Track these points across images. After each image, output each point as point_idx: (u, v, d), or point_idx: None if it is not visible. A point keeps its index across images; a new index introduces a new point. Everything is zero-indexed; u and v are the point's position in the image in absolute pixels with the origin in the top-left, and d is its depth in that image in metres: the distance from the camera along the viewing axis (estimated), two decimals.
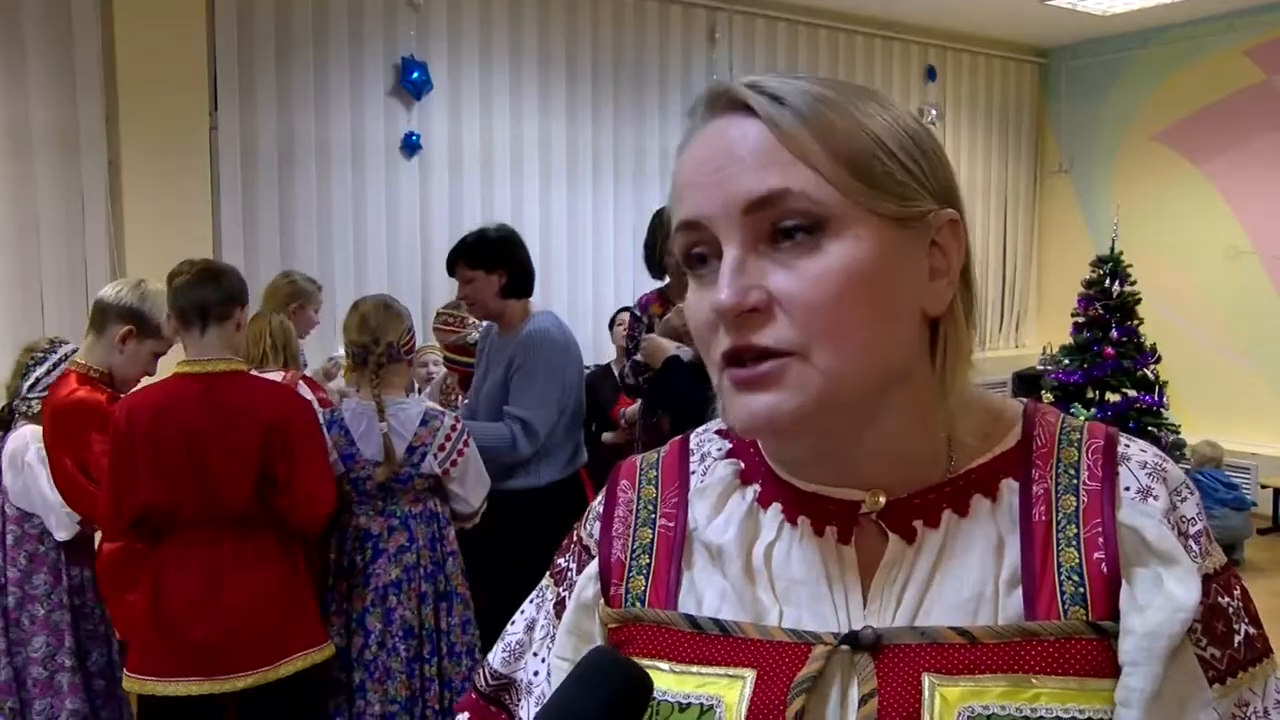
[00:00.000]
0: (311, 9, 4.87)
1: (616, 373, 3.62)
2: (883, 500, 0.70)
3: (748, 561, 0.71)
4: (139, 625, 2.46)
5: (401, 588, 2.62)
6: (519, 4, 5.46)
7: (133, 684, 2.45)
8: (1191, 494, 0.71)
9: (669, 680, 0.69)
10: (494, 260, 2.99)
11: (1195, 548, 0.69)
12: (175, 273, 2.47)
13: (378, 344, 2.66)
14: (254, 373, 2.85)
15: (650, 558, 0.75)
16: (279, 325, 3.52)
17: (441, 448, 2.66)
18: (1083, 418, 0.77)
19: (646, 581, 0.74)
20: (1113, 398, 6.17)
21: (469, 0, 5.32)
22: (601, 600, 0.76)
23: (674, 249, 0.70)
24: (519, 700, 0.80)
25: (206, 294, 2.42)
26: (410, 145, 5.20)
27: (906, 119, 0.69)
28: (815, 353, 0.63)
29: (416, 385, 3.83)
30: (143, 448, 2.35)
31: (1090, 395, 6.22)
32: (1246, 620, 0.70)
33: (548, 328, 3.04)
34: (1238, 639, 0.68)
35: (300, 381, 3.28)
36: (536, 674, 0.79)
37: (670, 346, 2.86)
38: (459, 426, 2.72)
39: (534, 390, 2.94)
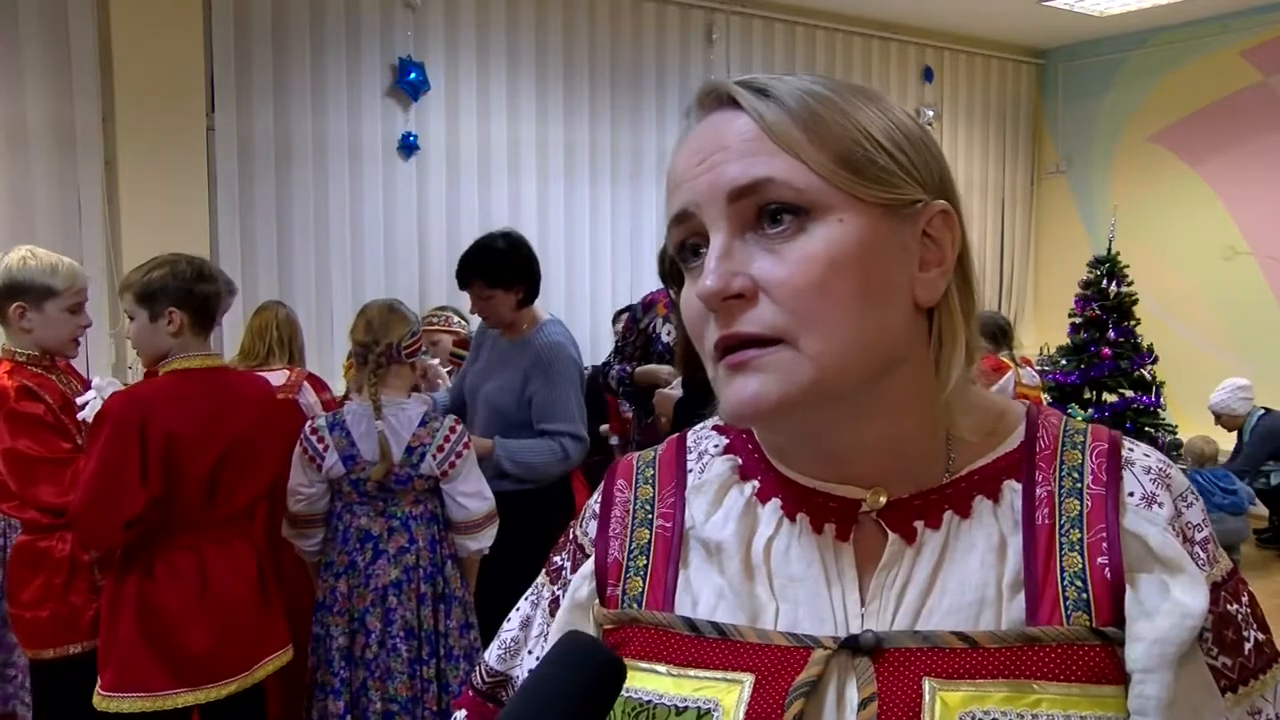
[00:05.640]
0: (309, 9, 4.87)
1: (605, 372, 3.62)
2: (884, 499, 0.69)
3: (746, 556, 0.71)
4: (120, 640, 2.31)
5: (402, 588, 2.62)
6: (516, 4, 5.46)
7: (117, 704, 2.28)
8: (1196, 500, 0.71)
9: (666, 683, 0.69)
10: (513, 279, 3.01)
11: (1202, 555, 0.69)
12: (198, 274, 2.41)
13: (377, 344, 2.66)
14: (261, 372, 2.87)
15: (648, 559, 0.74)
16: (285, 318, 3.45)
17: (440, 449, 2.66)
18: (1080, 419, 0.76)
19: (644, 583, 0.74)
20: (1110, 398, 6.18)
21: (466, 1, 5.32)
22: (596, 601, 0.75)
23: (668, 245, 0.70)
24: None
25: (219, 291, 2.44)
26: (407, 146, 5.19)
27: (898, 114, 0.69)
28: (803, 338, 0.63)
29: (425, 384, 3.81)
30: (154, 442, 2.28)
31: (1087, 396, 6.23)
32: (1255, 626, 0.70)
33: (561, 340, 3.07)
34: (1248, 646, 0.68)
35: (305, 382, 3.25)
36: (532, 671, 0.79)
37: (670, 393, 3.02)
38: (458, 429, 2.71)
39: (570, 404, 3.02)
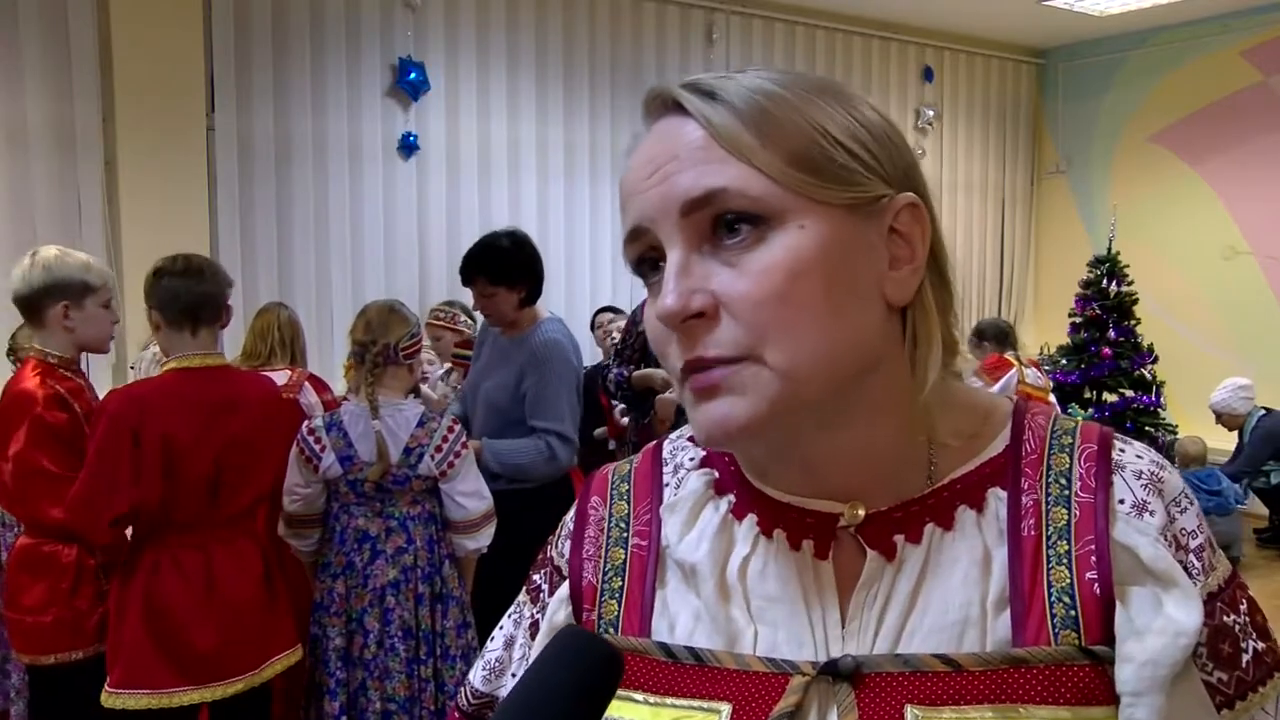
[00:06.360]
0: (309, 9, 4.87)
1: (604, 375, 3.62)
2: (862, 513, 0.66)
3: (721, 578, 0.68)
4: (127, 638, 2.33)
5: (399, 588, 2.62)
6: (516, 5, 5.46)
7: (124, 701, 2.30)
8: (1191, 504, 0.67)
9: (644, 713, 0.66)
10: (517, 278, 3.01)
11: (1197, 564, 0.65)
12: (161, 269, 2.42)
13: (374, 344, 2.66)
14: (264, 371, 2.86)
15: (623, 580, 0.72)
16: (286, 320, 3.46)
17: (439, 449, 2.66)
18: (1080, 418, 0.74)
19: (620, 606, 0.71)
20: (1110, 398, 6.19)
21: (466, 1, 5.32)
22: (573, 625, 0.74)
23: (626, 261, 0.67)
24: None
25: (205, 289, 2.44)
26: (407, 146, 5.20)
27: (860, 108, 0.65)
28: (768, 353, 0.60)
29: (426, 381, 3.81)
30: (150, 442, 2.29)
31: (1088, 395, 6.24)
32: (1254, 635, 0.66)
33: (559, 339, 3.07)
34: (1245, 658, 0.65)
35: (306, 382, 3.25)
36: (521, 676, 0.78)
37: (672, 397, 3.02)
38: (456, 429, 2.71)
39: (561, 403, 3.01)
